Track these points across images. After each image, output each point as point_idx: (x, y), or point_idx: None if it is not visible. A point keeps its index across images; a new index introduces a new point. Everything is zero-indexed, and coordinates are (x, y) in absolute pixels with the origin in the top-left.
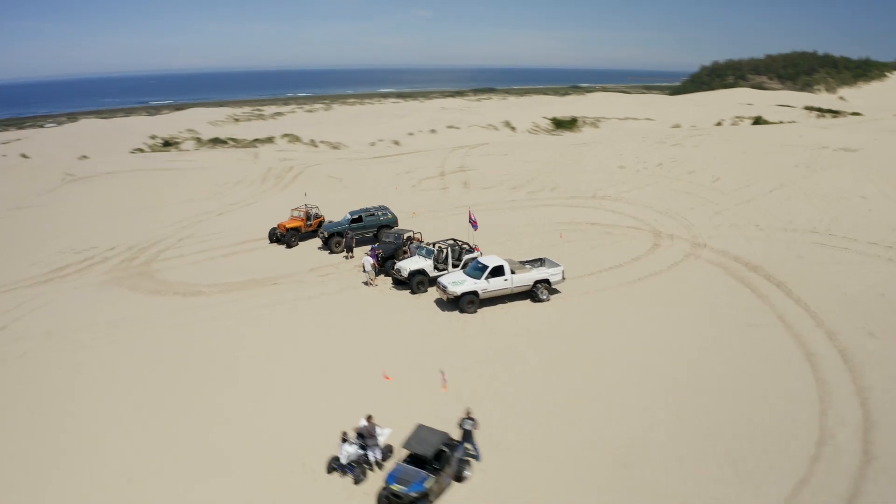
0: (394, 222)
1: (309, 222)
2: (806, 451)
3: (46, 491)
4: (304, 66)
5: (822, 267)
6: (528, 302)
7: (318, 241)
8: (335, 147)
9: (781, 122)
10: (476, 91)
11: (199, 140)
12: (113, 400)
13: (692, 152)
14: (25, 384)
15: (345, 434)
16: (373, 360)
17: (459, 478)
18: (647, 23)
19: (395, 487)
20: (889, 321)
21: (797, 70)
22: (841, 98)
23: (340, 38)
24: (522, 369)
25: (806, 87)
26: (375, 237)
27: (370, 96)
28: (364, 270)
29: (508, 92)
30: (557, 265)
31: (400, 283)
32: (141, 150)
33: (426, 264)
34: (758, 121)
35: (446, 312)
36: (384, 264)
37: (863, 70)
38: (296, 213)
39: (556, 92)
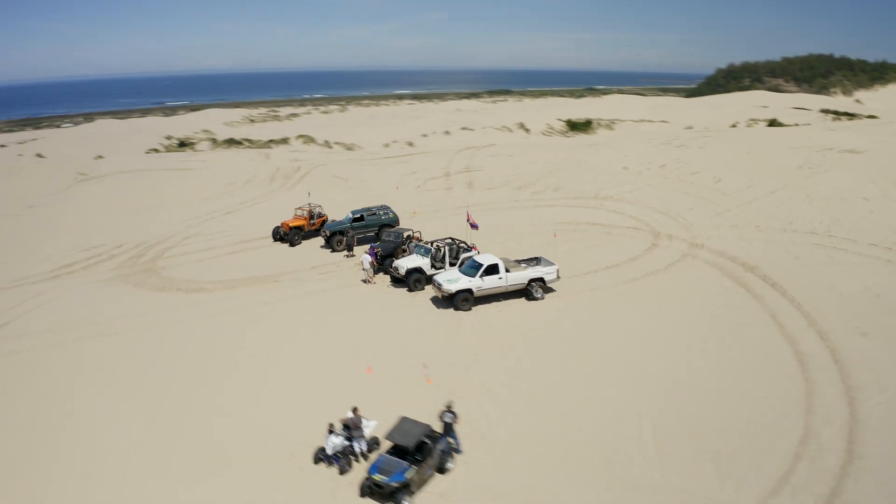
0: (395, 221)
1: (312, 221)
2: (790, 449)
3: (49, 484)
4: (319, 68)
5: (819, 268)
6: (522, 300)
7: (320, 240)
8: (349, 148)
9: (797, 125)
10: (491, 93)
11: (214, 141)
12: (113, 392)
13: (696, 154)
14: (25, 380)
15: (331, 425)
16: (366, 355)
17: (442, 469)
18: (663, 25)
19: (377, 477)
20: (883, 322)
21: (813, 73)
22: (857, 101)
23: (356, 41)
24: (514, 366)
25: (822, 89)
26: (377, 236)
27: (385, 98)
28: (363, 268)
29: (524, 94)
30: (552, 264)
31: (398, 280)
32: (156, 151)
33: (423, 263)
34: (773, 123)
35: (441, 310)
36: (383, 262)
37: (879, 73)
38: (299, 212)
39: (571, 94)
